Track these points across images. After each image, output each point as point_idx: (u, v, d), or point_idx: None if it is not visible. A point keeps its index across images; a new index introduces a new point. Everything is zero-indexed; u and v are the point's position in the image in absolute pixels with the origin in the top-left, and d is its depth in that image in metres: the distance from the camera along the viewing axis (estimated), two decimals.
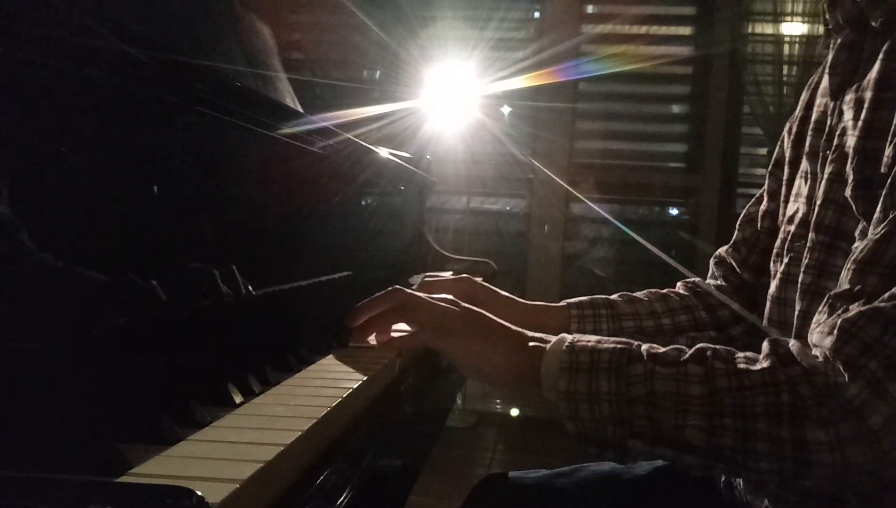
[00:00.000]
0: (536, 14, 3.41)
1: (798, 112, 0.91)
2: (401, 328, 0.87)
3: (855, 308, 0.62)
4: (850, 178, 0.71)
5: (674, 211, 3.44)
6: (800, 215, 0.82)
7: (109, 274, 0.54)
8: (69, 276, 0.51)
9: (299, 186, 0.94)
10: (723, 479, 0.88)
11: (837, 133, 0.76)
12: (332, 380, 0.68)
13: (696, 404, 0.62)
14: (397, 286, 0.83)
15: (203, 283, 0.66)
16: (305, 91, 1.07)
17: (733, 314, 1.00)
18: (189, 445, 0.48)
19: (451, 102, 2.61)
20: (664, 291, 1.06)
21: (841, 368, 0.59)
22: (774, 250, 0.88)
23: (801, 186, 0.84)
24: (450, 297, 0.82)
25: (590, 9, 3.39)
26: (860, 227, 0.70)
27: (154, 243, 0.62)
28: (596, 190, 3.24)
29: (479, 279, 1.04)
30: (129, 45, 0.55)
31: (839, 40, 0.79)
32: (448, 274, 1.15)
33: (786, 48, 3.15)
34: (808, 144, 0.84)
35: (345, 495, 0.50)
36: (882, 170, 0.67)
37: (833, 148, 0.76)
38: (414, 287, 0.91)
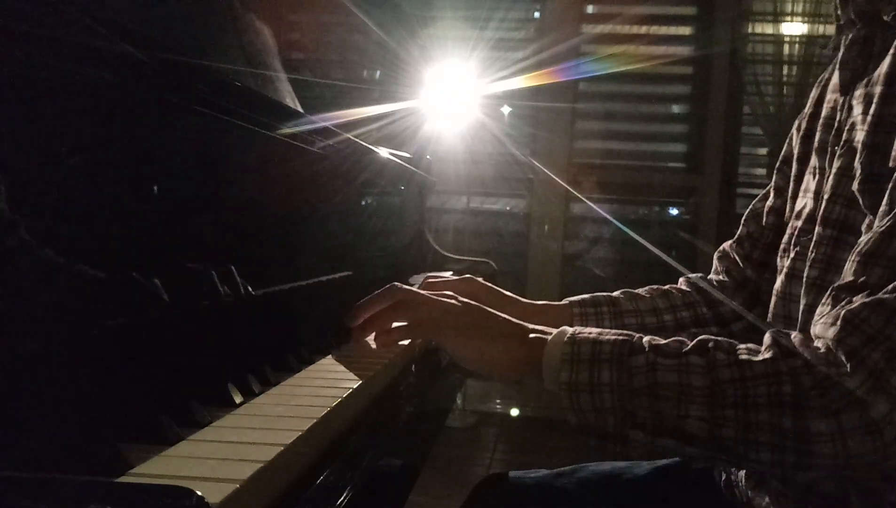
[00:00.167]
0: (536, 14, 3.41)
1: (808, 109, 0.91)
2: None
3: (859, 300, 0.62)
4: (858, 172, 0.71)
5: (674, 211, 3.44)
6: (807, 210, 0.82)
7: (109, 274, 0.54)
8: (69, 276, 0.51)
9: (299, 187, 0.94)
10: (723, 477, 0.88)
11: (846, 128, 0.76)
12: (332, 380, 0.68)
13: (697, 394, 0.62)
14: (395, 283, 0.82)
15: (203, 283, 0.66)
16: (305, 91, 1.07)
17: (735, 310, 1.00)
18: (189, 445, 0.48)
19: (451, 102, 2.61)
20: (666, 287, 1.05)
21: (843, 359, 0.59)
22: (781, 246, 0.88)
23: (809, 182, 0.84)
24: (449, 293, 0.82)
25: (590, 9, 3.39)
26: (867, 221, 0.70)
27: (154, 242, 0.62)
28: (596, 190, 3.25)
29: (479, 279, 1.04)
30: (130, 44, 0.55)
31: (850, 36, 0.79)
32: (449, 274, 1.15)
33: (786, 48, 3.16)
34: (817, 139, 0.84)
35: (345, 495, 0.50)
36: (890, 164, 0.67)
37: (842, 143, 0.76)
38: (417, 287, 0.91)
